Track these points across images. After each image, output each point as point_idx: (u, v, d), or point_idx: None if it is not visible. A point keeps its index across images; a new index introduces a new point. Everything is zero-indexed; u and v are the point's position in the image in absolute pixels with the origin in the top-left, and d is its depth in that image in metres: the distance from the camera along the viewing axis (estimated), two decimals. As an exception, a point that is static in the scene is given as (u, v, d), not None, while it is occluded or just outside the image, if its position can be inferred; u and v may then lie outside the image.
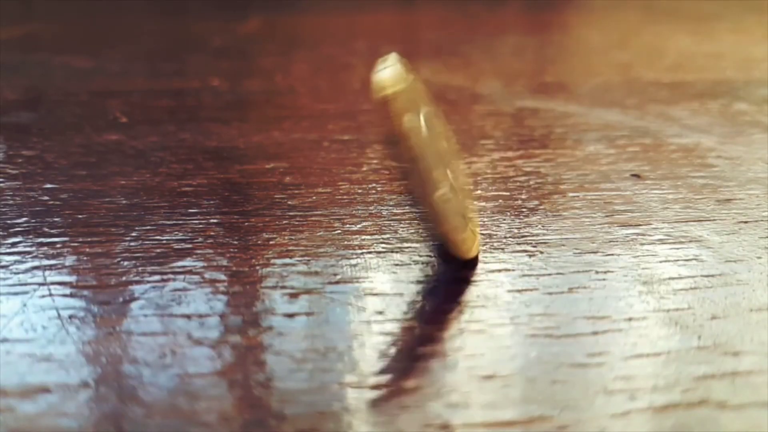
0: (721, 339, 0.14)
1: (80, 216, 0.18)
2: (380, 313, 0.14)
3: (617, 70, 0.34)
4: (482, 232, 0.18)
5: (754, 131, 0.25)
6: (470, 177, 0.21)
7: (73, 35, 0.42)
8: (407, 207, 0.19)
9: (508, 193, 0.20)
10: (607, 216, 0.19)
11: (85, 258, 0.16)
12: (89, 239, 0.17)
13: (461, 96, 0.29)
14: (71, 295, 0.15)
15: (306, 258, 0.17)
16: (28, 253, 0.17)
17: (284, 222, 0.18)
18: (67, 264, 0.16)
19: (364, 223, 0.18)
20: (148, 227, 0.18)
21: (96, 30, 0.44)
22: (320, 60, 0.36)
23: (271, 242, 0.17)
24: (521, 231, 0.18)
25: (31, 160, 0.22)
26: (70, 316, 0.14)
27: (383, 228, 0.18)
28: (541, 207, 0.19)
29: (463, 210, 0.16)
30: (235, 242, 0.17)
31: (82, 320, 0.14)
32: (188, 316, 0.14)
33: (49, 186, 0.20)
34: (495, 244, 0.17)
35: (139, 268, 0.16)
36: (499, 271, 0.16)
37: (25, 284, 0.15)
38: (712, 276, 0.16)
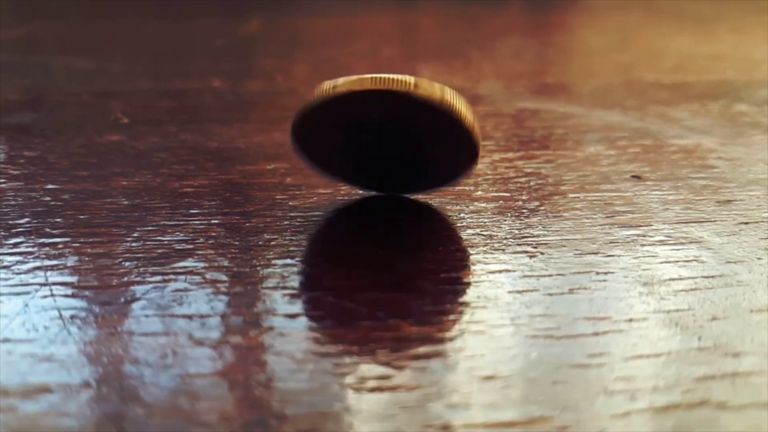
0: (722, 340, 0.14)
1: (82, 216, 0.18)
2: (381, 313, 0.14)
3: (618, 72, 0.34)
4: (483, 233, 0.18)
5: (754, 132, 0.25)
6: (471, 178, 0.21)
7: (74, 36, 0.42)
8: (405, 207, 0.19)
9: (508, 194, 0.20)
10: (607, 217, 0.19)
11: (86, 258, 0.16)
12: (91, 240, 0.17)
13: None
14: (73, 296, 0.15)
15: (307, 258, 0.17)
16: (30, 253, 0.17)
17: (285, 223, 0.18)
18: (68, 264, 0.16)
19: (365, 224, 0.18)
20: (150, 228, 0.18)
21: (97, 31, 0.44)
22: (321, 61, 0.36)
23: (272, 243, 0.17)
24: (522, 232, 0.18)
25: (33, 160, 0.22)
26: (72, 317, 0.14)
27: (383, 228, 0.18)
28: (542, 208, 0.19)
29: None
30: (237, 243, 0.17)
31: (84, 320, 0.14)
32: (189, 317, 0.14)
33: (50, 186, 0.20)
34: (495, 245, 0.17)
35: (141, 269, 0.16)
36: (500, 271, 0.16)
37: (27, 284, 0.15)
38: (713, 277, 0.16)
